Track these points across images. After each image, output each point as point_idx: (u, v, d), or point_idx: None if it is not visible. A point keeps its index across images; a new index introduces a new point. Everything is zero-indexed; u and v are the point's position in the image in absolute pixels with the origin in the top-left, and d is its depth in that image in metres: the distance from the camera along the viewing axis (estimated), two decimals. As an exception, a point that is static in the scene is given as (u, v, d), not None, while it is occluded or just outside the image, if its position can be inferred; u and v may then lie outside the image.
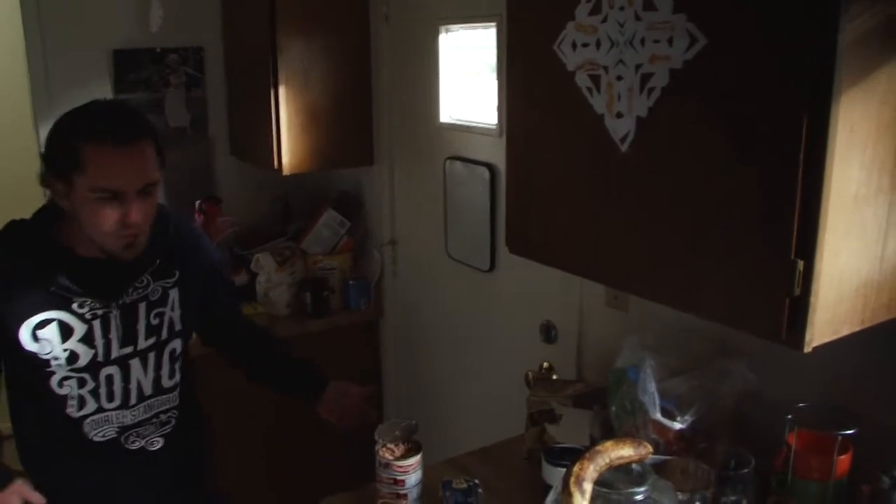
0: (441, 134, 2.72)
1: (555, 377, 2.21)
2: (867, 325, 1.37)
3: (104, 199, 1.66)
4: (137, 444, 1.92)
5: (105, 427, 1.87)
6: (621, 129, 1.44)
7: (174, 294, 1.91)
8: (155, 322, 1.88)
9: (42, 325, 1.75)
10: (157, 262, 1.86)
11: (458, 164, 2.62)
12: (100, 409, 1.85)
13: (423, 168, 2.84)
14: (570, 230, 1.61)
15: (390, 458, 1.78)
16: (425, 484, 1.84)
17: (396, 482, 1.78)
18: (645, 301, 1.98)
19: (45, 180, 1.73)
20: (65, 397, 1.82)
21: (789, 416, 1.57)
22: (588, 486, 1.45)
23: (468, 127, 2.61)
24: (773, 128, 1.21)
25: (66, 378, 1.80)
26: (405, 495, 1.78)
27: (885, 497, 1.47)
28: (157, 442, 1.96)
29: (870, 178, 1.26)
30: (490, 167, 2.47)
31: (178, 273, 1.91)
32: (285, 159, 2.97)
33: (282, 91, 2.94)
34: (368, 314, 3.27)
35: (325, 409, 2.11)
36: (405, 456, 1.79)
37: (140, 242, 1.76)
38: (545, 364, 2.26)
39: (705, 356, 1.78)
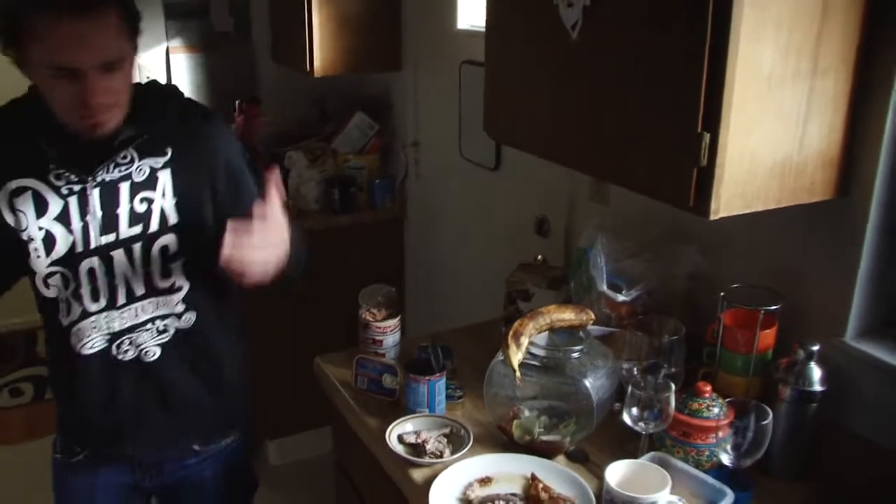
0: (458, 39, 2.85)
1: (544, 267, 2.36)
2: (785, 204, 1.49)
3: (59, 76, 1.48)
4: (130, 352, 1.74)
5: (93, 336, 1.71)
6: (571, 17, 1.56)
7: (165, 177, 1.67)
8: (141, 208, 1.66)
9: (17, 192, 1.62)
10: (145, 136, 1.64)
11: (472, 67, 2.75)
12: (84, 314, 1.69)
13: (443, 72, 2.97)
14: (533, 114, 1.75)
15: (371, 319, 1.98)
16: (408, 351, 2.03)
17: (375, 342, 1.98)
18: (622, 196, 2.13)
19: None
20: (55, 301, 1.69)
21: (722, 294, 1.71)
22: (524, 340, 1.63)
23: (482, 32, 2.72)
24: (686, 12, 1.33)
25: (49, 275, 1.66)
26: (383, 354, 1.98)
27: (801, 367, 1.60)
28: (154, 353, 1.76)
29: (786, 61, 1.37)
30: (499, 70, 2.60)
31: (171, 152, 1.67)
32: (317, 63, 3.14)
33: (315, -2, 3.10)
34: (392, 212, 3.45)
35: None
36: (384, 319, 1.98)
37: (109, 121, 1.57)
38: (539, 257, 2.40)
39: (662, 241, 1.91)
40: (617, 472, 1.48)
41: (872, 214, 1.55)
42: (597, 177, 1.65)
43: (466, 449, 1.68)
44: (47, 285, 1.68)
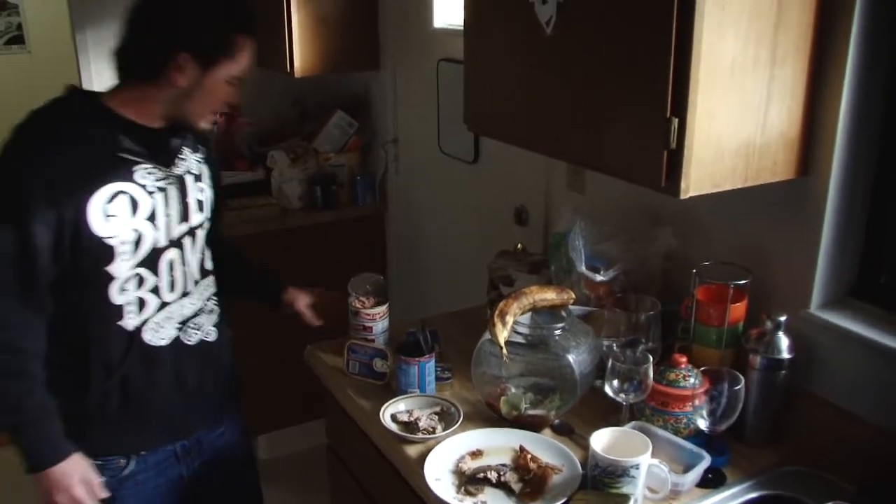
0: (435, 38, 2.95)
1: (524, 255, 2.46)
2: (751, 183, 1.59)
3: (233, 84, 1.78)
4: (196, 336, 1.91)
5: (167, 326, 1.84)
6: (546, 13, 1.66)
7: (205, 170, 1.93)
8: (201, 197, 1.90)
9: (113, 197, 1.69)
10: (188, 136, 1.88)
11: (449, 65, 2.84)
12: (162, 306, 1.82)
13: (421, 70, 3.06)
14: (511, 106, 1.85)
15: (360, 307, 2.06)
16: (396, 338, 2.11)
17: (365, 328, 2.07)
18: (597, 183, 2.23)
19: (163, 54, 1.69)
20: (121, 307, 1.76)
21: (694, 271, 1.81)
22: (510, 319, 1.72)
23: (458, 31, 2.82)
24: (653, 6, 1.43)
25: (128, 279, 1.75)
26: (373, 340, 2.07)
27: (769, 337, 1.71)
28: (212, 333, 1.96)
29: (746, 50, 1.47)
30: (475, 66, 2.69)
31: (202, 149, 1.95)
32: (297, 64, 3.21)
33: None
34: (374, 208, 3.54)
35: (299, 304, 2.17)
36: (374, 306, 2.07)
37: None
38: (519, 245, 2.49)
39: (637, 224, 2.02)
40: (602, 439, 1.58)
41: (831, 193, 1.66)
42: (573, 163, 1.75)
43: (457, 425, 1.77)
44: (122, 290, 1.76)
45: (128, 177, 1.72)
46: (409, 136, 3.31)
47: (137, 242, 1.75)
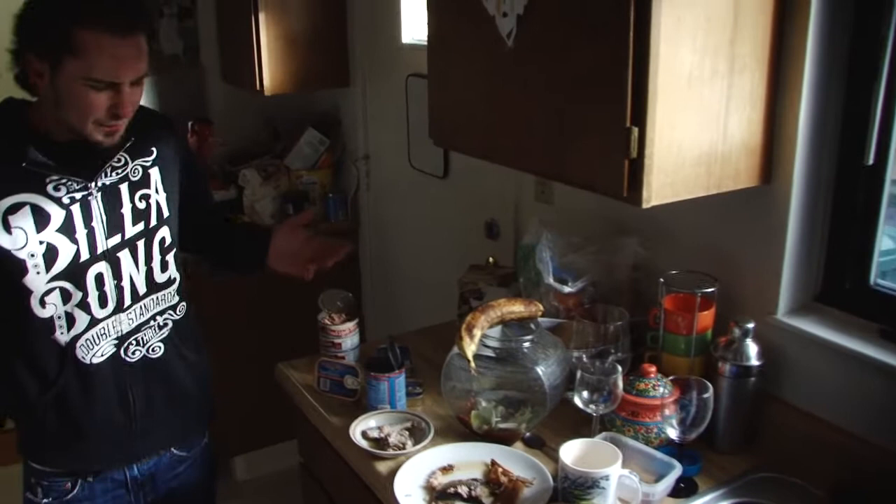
0: (403, 53, 2.95)
1: (496, 268, 2.46)
2: (713, 192, 1.60)
3: (97, 88, 1.58)
4: (138, 353, 1.83)
5: (102, 343, 1.77)
6: (506, 26, 1.66)
7: (155, 174, 1.82)
8: (142, 206, 1.79)
9: (13, 209, 1.62)
10: (132, 139, 1.75)
11: (418, 80, 2.84)
12: (93, 322, 1.74)
13: (390, 86, 3.07)
14: (474, 119, 1.85)
15: (329, 323, 2.05)
16: (368, 354, 2.09)
17: (334, 345, 2.05)
18: (565, 195, 2.23)
19: (19, 56, 1.61)
20: (50, 320, 1.71)
21: (661, 280, 1.81)
22: (478, 333, 1.72)
23: (426, 45, 2.82)
24: (610, 19, 1.43)
25: (47, 293, 1.68)
26: (343, 356, 2.05)
27: (738, 345, 1.71)
28: (158, 348, 1.87)
29: (703, 61, 1.48)
30: (443, 81, 2.69)
31: (155, 151, 1.82)
32: (266, 81, 3.21)
33: (262, 18, 3.17)
34: (346, 225, 3.53)
35: (276, 262, 2.05)
36: (342, 322, 2.06)
37: (121, 130, 1.68)
38: (490, 259, 2.49)
39: (604, 235, 2.02)
40: (571, 451, 1.57)
41: (794, 199, 1.67)
42: (537, 175, 1.75)
43: (428, 440, 1.76)
44: (43, 304, 1.69)
45: (37, 189, 1.65)
46: (379, 152, 3.31)
47: (50, 256, 1.67)
